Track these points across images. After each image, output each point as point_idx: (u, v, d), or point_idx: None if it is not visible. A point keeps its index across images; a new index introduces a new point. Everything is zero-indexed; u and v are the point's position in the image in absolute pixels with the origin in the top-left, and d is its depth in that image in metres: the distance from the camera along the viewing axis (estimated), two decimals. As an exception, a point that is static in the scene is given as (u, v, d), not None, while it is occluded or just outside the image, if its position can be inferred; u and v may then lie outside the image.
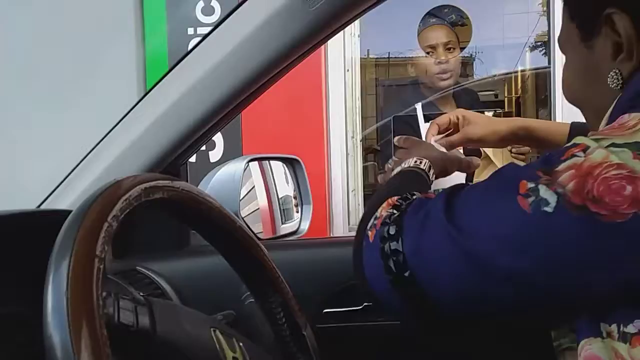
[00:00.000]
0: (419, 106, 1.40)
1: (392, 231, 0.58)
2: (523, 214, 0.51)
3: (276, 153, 1.42)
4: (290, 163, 1.33)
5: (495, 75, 3.44)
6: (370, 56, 3.51)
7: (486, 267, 0.52)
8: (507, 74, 3.47)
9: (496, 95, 3.66)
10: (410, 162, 0.84)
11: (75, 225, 0.45)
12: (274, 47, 0.86)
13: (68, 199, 0.91)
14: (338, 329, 0.99)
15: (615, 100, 0.60)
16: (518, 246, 0.51)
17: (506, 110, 3.37)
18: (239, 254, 0.70)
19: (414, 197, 0.63)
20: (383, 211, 0.61)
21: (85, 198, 0.48)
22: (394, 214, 0.60)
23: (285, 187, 1.44)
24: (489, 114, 1.76)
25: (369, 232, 0.61)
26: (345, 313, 0.99)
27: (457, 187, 0.60)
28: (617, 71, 0.60)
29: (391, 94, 3.45)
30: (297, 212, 1.40)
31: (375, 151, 3.76)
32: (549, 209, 0.49)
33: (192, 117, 0.89)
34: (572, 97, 0.72)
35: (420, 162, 0.83)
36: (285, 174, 1.40)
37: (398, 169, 0.84)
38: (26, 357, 0.70)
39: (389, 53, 3.71)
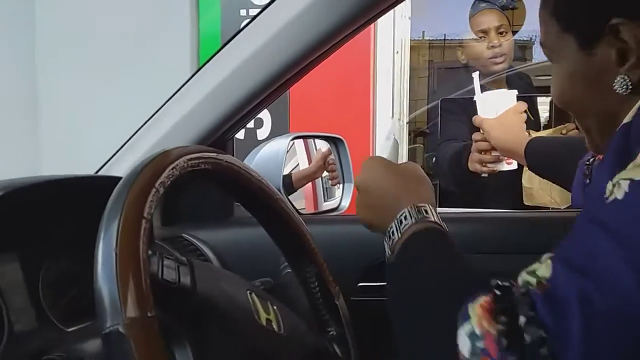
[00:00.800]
0: (476, 75, 1.40)
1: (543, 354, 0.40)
2: None
3: (324, 132, 1.44)
4: (334, 142, 1.35)
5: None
6: (425, 38, 3.46)
7: None
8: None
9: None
10: (410, 212, 0.62)
11: (125, 189, 0.50)
12: (321, 26, 0.88)
13: (123, 167, 0.98)
14: (372, 303, 1.01)
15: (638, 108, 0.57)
16: None
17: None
18: (277, 225, 0.74)
19: (529, 290, 0.44)
20: (485, 324, 0.43)
21: (136, 165, 0.53)
22: (513, 326, 0.42)
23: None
24: (543, 99, 1.73)
25: None
26: (380, 287, 1.01)
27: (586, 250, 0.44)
28: (625, 77, 0.59)
29: (443, 76, 3.41)
30: (339, 190, 1.43)
31: (423, 134, 3.73)
32: None
33: (240, 94, 0.93)
34: (566, 103, 0.68)
35: (424, 210, 0.63)
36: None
37: (404, 233, 0.62)
38: (78, 311, 0.77)
39: (444, 35, 3.65)
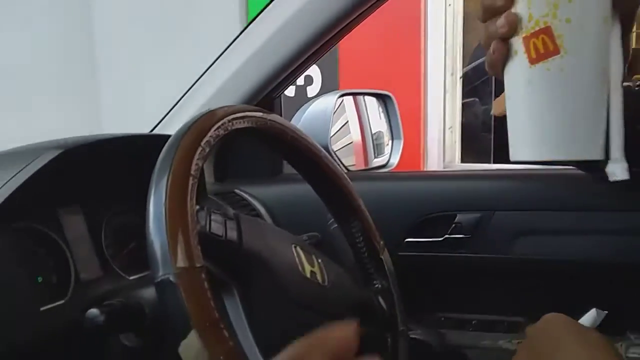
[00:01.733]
0: None
1: None
2: None
3: (372, 89, 1.44)
4: (382, 98, 1.35)
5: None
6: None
7: None
8: None
9: None
10: None
11: (173, 148, 0.52)
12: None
13: (174, 126, 1.01)
14: (418, 258, 1.03)
15: None
16: None
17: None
18: (322, 181, 0.75)
19: None
20: None
21: (182, 125, 0.55)
22: None
23: (378, 122, 1.47)
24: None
25: None
26: (427, 243, 1.03)
27: None
28: None
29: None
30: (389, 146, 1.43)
31: (479, 88, 3.62)
32: None
33: (284, 52, 0.94)
34: None
35: None
36: (379, 109, 1.42)
37: None
38: (139, 260, 0.81)
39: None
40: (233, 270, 0.56)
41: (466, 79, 2.71)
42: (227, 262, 0.55)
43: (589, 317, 0.84)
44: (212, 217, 0.55)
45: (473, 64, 2.73)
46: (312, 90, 2.55)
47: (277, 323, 0.57)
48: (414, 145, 2.27)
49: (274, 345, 0.55)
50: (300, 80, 2.57)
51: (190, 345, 0.45)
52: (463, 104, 2.67)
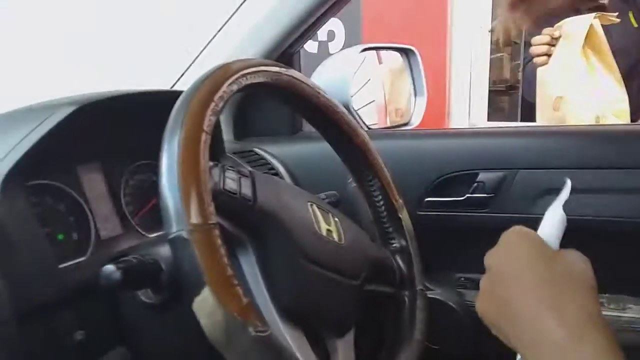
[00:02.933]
0: None
1: None
2: None
3: (396, 43, 1.40)
4: (405, 53, 1.31)
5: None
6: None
7: None
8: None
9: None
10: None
11: (185, 103, 0.51)
12: None
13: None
14: (438, 217, 1.02)
15: None
16: None
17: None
18: (341, 139, 0.74)
19: None
20: None
21: (195, 79, 0.54)
22: None
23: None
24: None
25: None
26: (447, 202, 1.01)
27: None
28: None
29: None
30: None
31: (511, 42, 3.51)
32: None
33: (303, 3, 0.91)
34: None
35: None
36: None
37: None
38: (158, 218, 0.82)
39: None
40: (247, 227, 0.56)
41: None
42: (241, 218, 0.55)
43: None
44: (226, 174, 0.54)
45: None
46: (334, 46, 2.50)
47: (291, 280, 0.56)
48: (438, 103, 2.22)
49: (288, 302, 0.56)
50: (322, 36, 2.52)
51: (205, 301, 0.45)
52: (492, 59, 2.60)
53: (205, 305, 0.45)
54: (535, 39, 1.29)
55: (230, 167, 0.56)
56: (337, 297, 0.62)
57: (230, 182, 0.54)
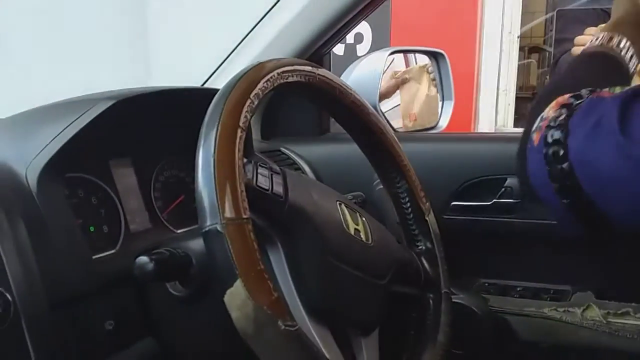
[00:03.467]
0: None
1: (557, 135, 0.51)
2: None
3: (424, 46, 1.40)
4: (434, 56, 1.31)
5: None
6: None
7: None
8: None
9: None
10: (603, 39, 0.65)
11: (222, 100, 0.52)
12: None
13: (224, 80, 1.02)
14: (464, 222, 1.01)
15: None
16: None
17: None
18: (370, 141, 0.74)
19: (587, 97, 0.54)
20: (551, 111, 0.54)
21: (232, 77, 0.55)
22: (562, 115, 0.53)
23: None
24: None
25: (534, 135, 0.54)
26: (473, 207, 1.01)
27: (637, 92, 0.50)
28: None
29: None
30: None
31: (537, 49, 3.48)
32: None
33: (335, 5, 0.92)
34: None
35: (616, 40, 0.64)
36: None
37: (583, 48, 0.67)
38: (187, 214, 0.83)
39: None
40: (278, 224, 0.56)
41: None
42: (272, 215, 0.56)
43: None
44: (259, 170, 0.55)
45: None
46: (362, 49, 2.50)
47: (319, 278, 0.57)
48: (466, 107, 2.20)
49: (316, 299, 0.57)
50: (349, 38, 2.52)
51: (236, 293, 0.45)
52: (519, 65, 2.57)
53: (236, 298, 0.45)
54: (579, 39, 1.26)
55: (263, 164, 0.57)
56: (363, 296, 0.63)
57: (263, 179, 0.55)
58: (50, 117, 0.69)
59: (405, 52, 1.30)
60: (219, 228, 0.46)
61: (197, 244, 0.63)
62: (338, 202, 0.64)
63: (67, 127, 0.65)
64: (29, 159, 0.63)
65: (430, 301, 0.74)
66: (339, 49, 2.54)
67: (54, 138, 0.64)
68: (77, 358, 0.61)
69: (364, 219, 0.67)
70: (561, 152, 0.51)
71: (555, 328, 0.92)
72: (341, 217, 0.63)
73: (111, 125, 0.69)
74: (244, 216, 0.47)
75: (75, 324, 0.61)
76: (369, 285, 0.63)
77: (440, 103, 1.34)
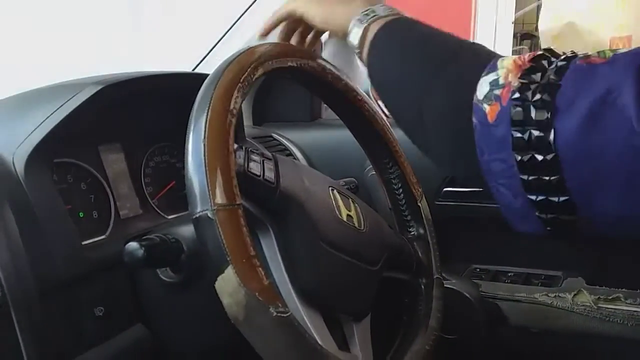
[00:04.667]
0: None
1: (539, 114, 0.39)
2: None
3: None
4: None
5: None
6: None
7: None
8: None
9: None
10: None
11: (212, 85, 0.51)
12: None
13: (216, 65, 1.01)
14: (456, 207, 1.01)
15: None
16: None
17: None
18: (362, 126, 0.74)
19: (572, 58, 0.42)
20: (510, 76, 0.42)
21: (222, 62, 0.54)
22: (535, 84, 0.41)
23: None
24: None
25: (485, 106, 0.42)
26: (464, 193, 1.01)
27: None
28: None
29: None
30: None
31: (530, 35, 3.47)
32: None
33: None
34: None
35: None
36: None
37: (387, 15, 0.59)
38: (177, 200, 0.83)
39: None
40: (269, 210, 0.56)
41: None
42: (263, 201, 0.55)
43: None
44: (251, 156, 0.54)
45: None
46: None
47: (311, 263, 0.57)
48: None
49: (307, 285, 0.56)
50: None
51: (227, 280, 0.45)
52: (513, 52, 2.57)
53: (227, 284, 0.45)
54: None
55: (254, 150, 0.56)
56: (355, 282, 0.62)
57: (254, 165, 0.54)
58: (38, 101, 0.68)
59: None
60: (209, 214, 0.46)
61: (187, 230, 0.63)
62: (330, 188, 0.64)
63: (54, 111, 0.64)
64: (15, 144, 0.62)
65: (422, 287, 0.74)
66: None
67: (42, 123, 0.63)
68: (67, 344, 0.61)
69: (356, 205, 0.66)
70: (544, 138, 0.39)
71: (546, 313, 0.93)
72: (333, 203, 0.62)
73: (100, 110, 0.68)
74: (236, 202, 0.47)
75: (65, 311, 0.61)
76: (361, 271, 0.63)
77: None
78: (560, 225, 0.43)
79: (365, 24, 0.58)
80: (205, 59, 1.06)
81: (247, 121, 1.13)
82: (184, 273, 0.62)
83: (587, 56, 0.41)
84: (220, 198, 0.46)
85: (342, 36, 0.63)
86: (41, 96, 0.70)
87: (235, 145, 0.52)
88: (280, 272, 0.55)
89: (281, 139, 1.07)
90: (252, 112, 1.15)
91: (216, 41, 1.06)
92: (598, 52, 0.41)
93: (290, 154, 1.05)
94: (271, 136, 1.07)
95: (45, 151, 0.63)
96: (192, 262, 0.61)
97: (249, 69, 0.54)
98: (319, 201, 0.60)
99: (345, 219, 0.62)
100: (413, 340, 0.67)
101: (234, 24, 1.04)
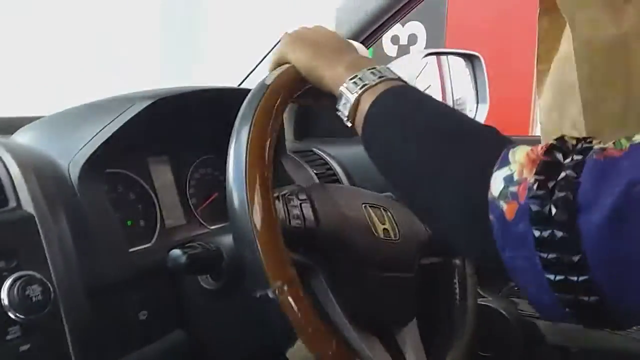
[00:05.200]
0: None
1: (559, 210, 0.38)
2: None
3: (482, 50, 1.37)
4: (470, 59, 1.29)
5: None
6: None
7: None
8: None
9: None
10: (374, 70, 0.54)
11: (255, 100, 0.54)
12: None
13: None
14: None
15: None
16: None
17: None
18: None
19: (587, 151, 0.40)
20: (525, 172, 0.40)
21: (264, 77, 0.56)
22: (551, 180, 0.39)
23: (463, 86, 1.42)
24: None
25: (502, 204, 0.40)
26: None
27: None
28: None
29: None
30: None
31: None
32: None
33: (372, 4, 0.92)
34: None
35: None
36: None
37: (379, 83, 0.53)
38: (221, 211, 0.85)
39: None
40: (314, 253, 0.58)
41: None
42: (308, 246, 0.58)
43: None
44: (289, 205, 0.57)
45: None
46: (415, 50, 2.45)
47: (360, 293, 0.59)
48: (524, 110, 2.08)
49: (359, 312, 0.59)
50: (403, 39, 2.41)
51: (298, 350, 0.49)
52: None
53: (299, 354, 0.48)
54: None
55: (290, 196, 0.58)
56: (398, 293, 0.65)
57: (295, 217, 0.57)
58: (92, 114, 0.72)
59: (439, 54, 1.29)
60: (270, 295, 0.49)
61: (228, 240, 0.65)
62: (363, 206, 0.65)
63: (107, 124, 0.68)
64: (71, 155, 0.66)
65: (456, 267, 0.75)
66: (391, 50, 2.42)
67: (96, 135, 0.67)
68: (112, 346, 0.64)
69: (389, 213, 0.67)
70: (568, 239, 0.37)
71: (584, 333, 0.91)
72: (369, 221, 0.64)
73: (150, 123, 0.71)
74: (293, 281, 0.50)
75: (111, 313, 0.64)
76: (402, 281, 0.65)
77: (475, 106, 1.33)
78: (594, 319, 0.41)
79: (356, 95, 0.54)
80: (253, 74, 1.10)
81: (288, 135, 1.15)
82: (224, 280, 0.64)
83: (602, 150, 0.39)
84: (277, 280, 0.50)
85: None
86: (95, 110, 0.74)
87: (275, 194, 0.54)
88: (333, 308, 0.57)
89: (322, 153, 1.08)
90: (294, 126, 1.16)
91: (263, 56, 1.08)
92: (614, 143, 0.39)
93: (330, 169, 1.06)
94: (312, 151, 1.09)
95: (98, 162, 0.67)
96: (232, 270, 0.63)
97: (291, 85, 0.56)
98: (356, 225, 0.62)
99: (382, 235, 0.64)
100: (456, 317, 0.72)
101: (279, 41, 1.06)
